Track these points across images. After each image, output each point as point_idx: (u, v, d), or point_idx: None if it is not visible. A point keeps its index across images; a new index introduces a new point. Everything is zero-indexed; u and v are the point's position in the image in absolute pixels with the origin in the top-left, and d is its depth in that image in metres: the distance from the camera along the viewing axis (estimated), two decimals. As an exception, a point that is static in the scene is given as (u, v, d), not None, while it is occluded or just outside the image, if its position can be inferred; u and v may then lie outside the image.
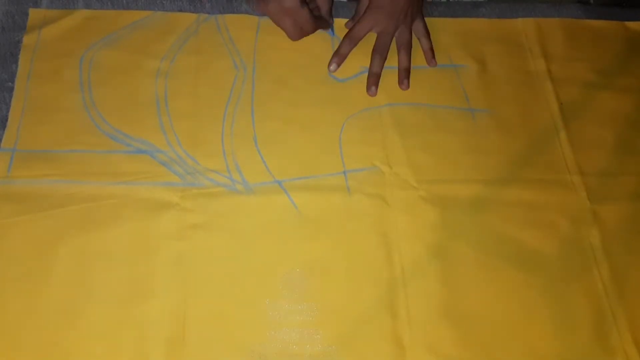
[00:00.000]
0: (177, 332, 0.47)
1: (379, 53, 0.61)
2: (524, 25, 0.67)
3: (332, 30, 0.63)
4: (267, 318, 0.48)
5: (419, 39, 0.63)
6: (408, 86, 0.60)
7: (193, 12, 0.63)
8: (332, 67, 0.61)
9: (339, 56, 0.61)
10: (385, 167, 0.56)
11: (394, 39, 0.62)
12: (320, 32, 0.62)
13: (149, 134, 0.55)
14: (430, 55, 0.62)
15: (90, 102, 0.57)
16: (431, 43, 0.62)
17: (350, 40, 0.61)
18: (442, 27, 0.65)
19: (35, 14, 0.61)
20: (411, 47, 0.62)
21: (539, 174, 0.57)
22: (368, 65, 0.62)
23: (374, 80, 0.60)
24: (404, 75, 0.60)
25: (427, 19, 0.66)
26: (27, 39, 0.59)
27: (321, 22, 0.61)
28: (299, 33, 0.59)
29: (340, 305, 0.49)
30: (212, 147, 0.55)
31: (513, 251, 0.53)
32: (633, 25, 0.68)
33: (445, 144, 0.58)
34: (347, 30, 0.63)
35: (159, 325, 0.47)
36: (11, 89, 0.56)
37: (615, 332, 0.50)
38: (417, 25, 0.63)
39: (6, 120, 0.55)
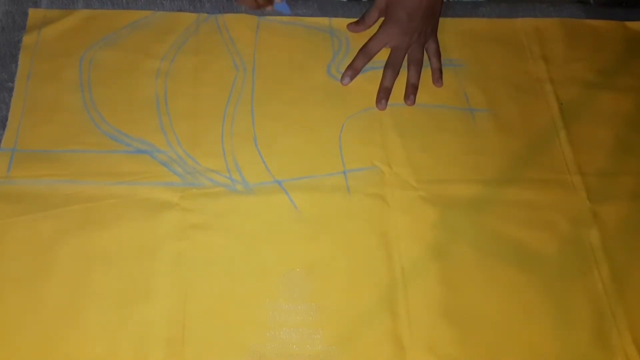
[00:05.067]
0: (177, 332, 0.47)
1: (391, 68, 0.61)
2: (523, 25, 0.67)
3: (286, 7, 0.61)
4: (267, 318, 0.48)
5: (429, 58, 0.63)
6: (414, 102, 0.60)
7: (193, 12, 0.63)
8: (345, 81, 0.60)
9: (353, 70, 0.60)
10: (385, 167, 0.56)
11: (406, 55, 0.62)
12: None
13: (149, 134, 0.55)
14: (438, 75, 0.61)
15: (90, 102, 0.57)
16: (441, 64, 0.62)
17: (365, 55, 0.61)
18: (442, 27, 0.65)
19: (35, 14, 0.61)
20: (422, 65, 0.62)
21: (539, 174, 0.57)
22: (368, 65, 0.62)
23: (384, 94, 0.60)
24: (411, 91, 0.60)
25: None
26: (27, 39, 0.59)
27: None
28: None
29: (340, 305, 0.49)
30: (212, 147, 0.55)
31: (513, 251, 0.53)
32: (633, 25, 0.68)
33: (445, 144, 0.58)
34: (350, 30, 0.64)
35: (159, 326, 0.47)
36: (11, 89, 0.56)
37: (615, 332, 0.50)
38: (430, 45, 0.63)
39: (6, 120, 0.55)
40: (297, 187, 0.54)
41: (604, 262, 0.53)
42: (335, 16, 0.65)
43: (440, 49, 0.64)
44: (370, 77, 0.61)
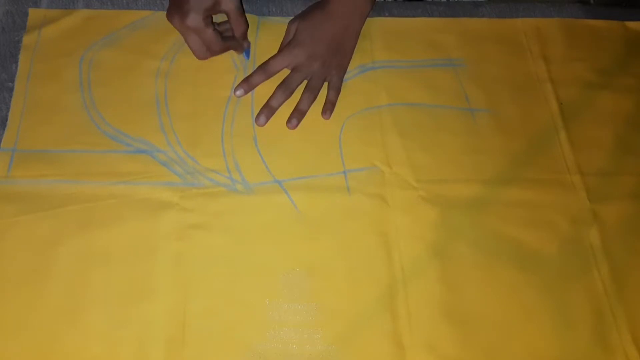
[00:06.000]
0: (177, 332, 0.47)
1: (283, 89, 0.58)
2: (523, 25, 0.67)
3: (248, 53, 0.59)
4: (267, 318, 0.48)
5: (328, 89, 0.59)
6: (295, 126, 0.57)
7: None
8: (238, 93, 0.58)
9: (248, 84, 0.58)
10: (385, 167, 0.56)
11: (306, 80, 0.60)
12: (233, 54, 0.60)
13: (149, 134, 0.55)
14: (329, 107, 0.58)
15: (90, 102, 0.57)
16: (336, 100, 0.59)
17: (264, 72, 0.59)
18: (442, 27, 0.65)
19: (35, 14, 0.61)
20: (316, 96, 0.59)
21: (539, 174, 0.57)
22: (366, 64, 0.62)
23: (266, 112, 0.57)
24: (295, 116, 0.57)
25: (427, 19, 0.66)
26: (27, 39, 0.59)
27: (233, 43, 0.59)
28: (204, 52, 0.57)
29: (340, 305, 0.49)
30: (212, 147, 0.55)
31: (513, 251, 0.53)
32: (633, 25, 0.68)
33: (445, 144, 0.58)
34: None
35: (159, 325, 0.47)
36: (11, 89, 0.57)
37: (615, 332, 0.50)
38: (333, 80, 0.60)
39: (6, 120, 0.55)
40: (297, 187, 0.54)
41: (604, 262, 0.53)
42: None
43: (441, 49, 0.64)
44: (370, 77, 0.61)
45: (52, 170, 0.52)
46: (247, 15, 0.63)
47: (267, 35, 0.63)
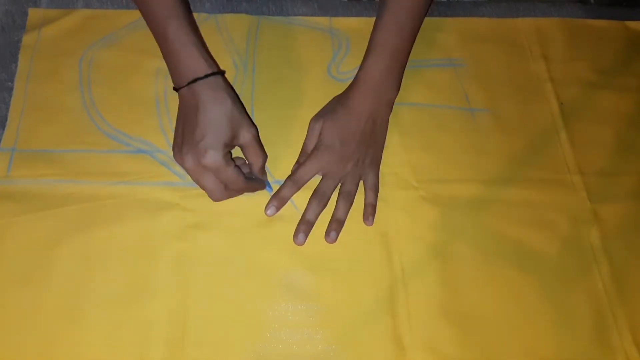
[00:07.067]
0: (177, 332, 0.47)
1: (318, 199, 0.53)
2: (524, 25, 0.67)
3: (269, 186, 0.53)
4: (267, 318, 0.48)
5: (365, 190, 0.54)
6: (334, 240, 0.52)
7: (193, 12, 0.63)
8: (269, 212, 0.52)
9: (279, 200, 0.52)
10: (385, 167, 0.56)
11: (339, 184, 0.55)
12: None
13: (149, 134, 0.55)
14: (370, 211, 0.53)
15: (90, 102, 0.56)
16: (376, 202, 0.54)
17: (294, 183, 0.53)
18: (442, 27, 0.65)
19: (34, 14, 0.61)
20: (353, 200, 0.54)
21: (539, 174, 0.57)
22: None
23: (304, 228, 0.52)
24: (333, 227, 0.52)
25: (427, 19, 0.65)
26: (27, 39, 0.59)
27: (253, 182, 0.52)
28: (222, 192, 0.49)
29: (340, 305, 0.49)
30: (212, 147, 0.55)
31: (513, 251, 0.53)
32: (633, 25, 0.68)
33: (445, 144, 0.58)
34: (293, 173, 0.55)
35: (159, 326, 0.47)
36: (11, 89, 0.56)
37: (615, 332, 0.50)
38: (369, 178, 0.55)
39: (6, 120, 0.55)
40: (297, 187, 0.54)
41: (604, 262, 0.53)
42: (336, 16, 0.65)
43: (441, 49, 0.64)
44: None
45: (51, 170, 0.52)
46: (246, 15, 0.63)
47: (267, 35, 0.62)
